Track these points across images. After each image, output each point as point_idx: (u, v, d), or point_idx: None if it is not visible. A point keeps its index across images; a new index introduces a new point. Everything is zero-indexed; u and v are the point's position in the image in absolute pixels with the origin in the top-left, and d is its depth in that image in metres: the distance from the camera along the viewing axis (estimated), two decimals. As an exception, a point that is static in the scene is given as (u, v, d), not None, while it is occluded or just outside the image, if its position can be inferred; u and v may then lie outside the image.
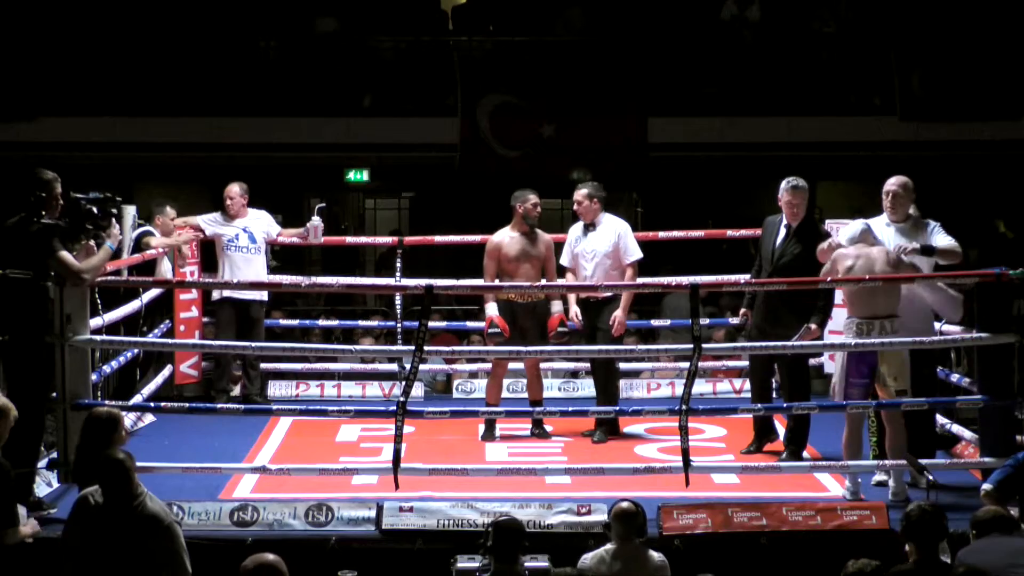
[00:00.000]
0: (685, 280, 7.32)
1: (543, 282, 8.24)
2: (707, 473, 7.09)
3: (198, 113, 13.51)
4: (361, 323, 11.16)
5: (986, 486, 6.00)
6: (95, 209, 6.77)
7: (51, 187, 6.70)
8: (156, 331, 9.05)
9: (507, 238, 8.27)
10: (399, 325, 9.62)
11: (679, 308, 10.57)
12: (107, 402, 7.09)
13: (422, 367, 8.64)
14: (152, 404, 8.43)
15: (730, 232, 9.89)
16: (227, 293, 9.28)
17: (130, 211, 8.86)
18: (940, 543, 5.38)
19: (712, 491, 6.95)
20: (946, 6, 13.72)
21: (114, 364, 8.10)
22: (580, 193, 8.32)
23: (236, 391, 9.52)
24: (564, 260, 8.45)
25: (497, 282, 8.14)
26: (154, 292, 8.75)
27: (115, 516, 5.25)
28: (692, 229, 10.05)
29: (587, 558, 5.71)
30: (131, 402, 8.13)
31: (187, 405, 8.39)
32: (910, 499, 6.43)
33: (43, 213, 6.64)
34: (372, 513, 6.44)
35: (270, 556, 4.87)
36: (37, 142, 12.97)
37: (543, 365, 9.29)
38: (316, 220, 9.48)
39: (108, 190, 6.94)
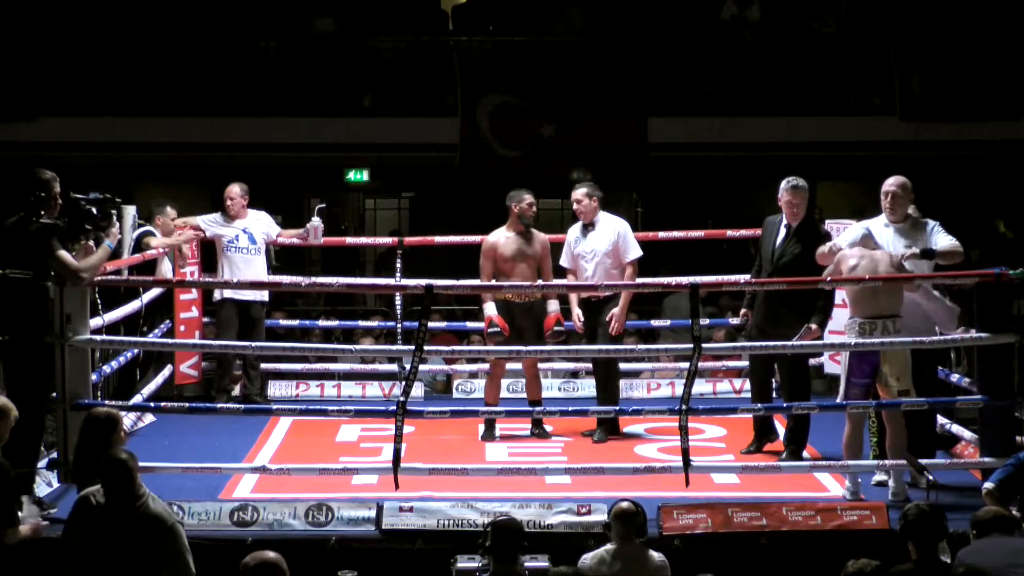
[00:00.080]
0: (685, 280, 7.32)
1: (541, 282, 8.24)
2: (707, 473, 7.09)
3: (198, 113, 13.51)
4: (361, 323, 11.16)
5: (988, 485, 6.00)
6: (95, 210, 6.77)
7: (50, 187, 6.70)
8: (156, 331, 9.05)
9: (503, 238, 8.27)
10: (399, 325, 9.62)
11: (679, 308, 10.58)
12: (107, 402, 7.10)
13: (422, 367, 8.65)
14: (152, 404, 8.43)
15: (730, 232, 9.89)
16: (227, 293, 9.28)
17: (130, 211, 8.86)
18: (940, 543, 5.38)
19: (712, 491, 6.95)
20: (946, 6, 13.72)
21: (114, 364, 8.10)
22: (579, 192, 8.32)
23: (236, 391, 9.52)
24: (564, 262, 8.45)
25: (495, 282, 8.14)
26: (154, 292, 8.75)
27: (117, 516, 5.24)
28: (692, 229, 10.05)
29: (587, 558, 5.71)
30: (131, 402, 8.13)
31: (187, 405, 8.39)
32: (910, 499, 6.43)
33: (42, 213, 6.64)
34: (372, 513, 6.44)
35: (271, 554, 4.88)
36: (37, 142, 12.97)
37: (543, 365, 9.30)
38: (316, 221, 9.48)
39: (108, 190, 6.93)
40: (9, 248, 6.59)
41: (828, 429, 7.60)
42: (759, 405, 7.75)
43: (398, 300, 9.70)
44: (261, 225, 9.46)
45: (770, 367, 7.90)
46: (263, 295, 9.45)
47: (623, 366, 9.19)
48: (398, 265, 9.78)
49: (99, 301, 7.46)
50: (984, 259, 10.90)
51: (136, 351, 8.46)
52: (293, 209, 13.80)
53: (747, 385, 9.13)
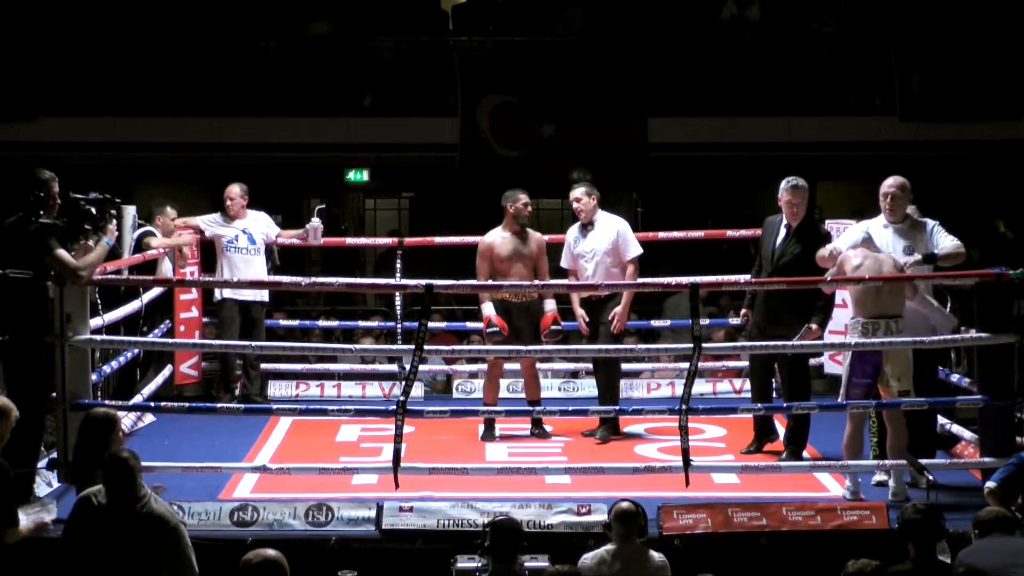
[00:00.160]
0: (685, 280, 7.32)
1: (542, 281, 8.24)
2: (707, 473, 7.09)
3: (198, 113, 13.50)
4: (361, 323, 11.16)
5: (990, 484, 6.01)
6: (94, 209, 6.77)
7: (49, 187, 6.71)
8: (156, 331, 9.05)
9: (499, 238, 8.27)
10: (399, 325, 9.62)
11: (680, 308, 10.58)
12: (107, 402, 7.11)
13: (422, 367, 8.65)
14: (152, 404, 8.43)
15: (730, 232, 9.89)
16: (227, 293, 9.29)
17: (130, 211, 8.87)
18: (938, 543, 5.38)
19: (712, 491, 6.95)
20: (946, 6, 13.72)
21: (114, 364, 8.10)
22: (577, 191, 8.33)
23: (236, 391, 9.52)
24: (564, 263, 8.46)
25: (492, 283, 8.14)
26: (154, 292, 8.75)
27: (119, 516, 5.23)
28: (692, 229, 10.05)
29: (587, 558, 5.71)
30: (131, 402, 8.13)
31: (187, 405, 8.39)
32: (910, 499, 6.43)
33: (41, 213, 6.65)
34: (372, 513, 6.44)
35: (271, 552, 4.88)
36: (37, 142, 12.96)
37: (543, 365, 9.31)
38: (316, 221, 9.48)
39: (108, 190, 6.94)
40: (8, 248, 6.60)
41: (828, 429, 7.60)
42: (759, 405, 7.75)
43: (398, 300, 9.70)
44: (260, 225, 9.47)
45: (770, 367, 7.90)
46: (263, 295, 9.45)
47: (623, 366, 9.19)
48: (398, 265, 9.78)
49: (99, 301, 7.46)
50: (984, 259, 10.89)
51: (136, 351, 8.46)
52: (293, 209, 13.80)
53: (747, 385, 9.13)
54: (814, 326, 7.47)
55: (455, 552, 5.96)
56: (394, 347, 9.45)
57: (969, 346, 7.50)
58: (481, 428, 8.39)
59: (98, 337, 7.24)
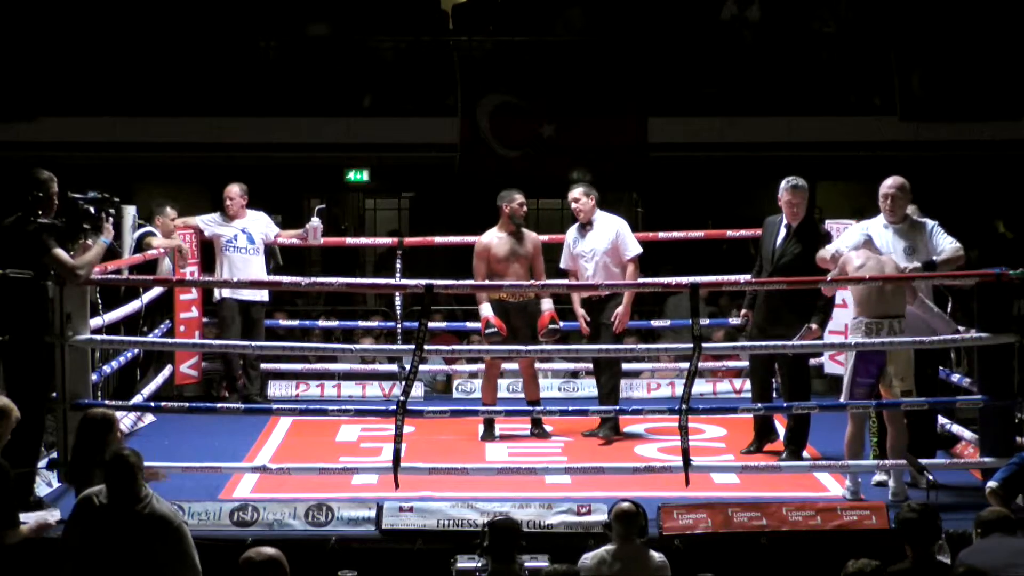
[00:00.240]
0: (685, 280, 7.32)
1: (542, 281, 8.24)
2: (707, 473, 7.09)
3: (198, 113, 13.51)
4: (361, 323, 11.16)
5: (991, 484, 6.01)
6: (92, 209, 6.77)
7: (47, 187, 6.71)
8: (156, 331, 9.05)
9: (495, 239, 8.27)
10: (399, 325, 9.62)
11: (681, 308, 10.58)
12: (107, 402, 7.11)
13: (422, 367, 8.65)
14: (152, 404, 8.43)
15: (730, 232, 9.89)
16: (226, 293, 9.29)
17: (130, 211, 8.87)
18: (936, 542, 5.38)
19: (712, 491, 6.95)
20: (946, 6, 13.72)
21: (114, 364, 8.10)
22: (576, 192, 8.33)
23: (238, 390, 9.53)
24: (563, 263, 8.46)
25: (492, 283, 8.14)
26: (154, 292, 8.75)
27: (120, 516, 5.22)
28: (692, 229, 10.05)
29: (587, 558, 5.70)
30: (131, 402, 8.13)
31: (187, 405, 8.39)
32: (910, 499, 6.42)
33: (39, 213, 6.65)
34: (372, 513, 6.44)
35: (271, 550, 4.87)
36: (37, 142, 12.96)
37: (543, 365, 9.31)
38: (315, 221, 9.48)
39: (108, 190, 6.94)
40: (7, 248, 6.59)
41: (828, 429, 7.60)
42: (759, 405, 7.75)
43: (398, 300, 9.70)
44: (260, 225, 9.47)
45: (770, 367, 7.90)
46: (263, 295, 9.45)
47: (623, 366, 9.19)
48: (398, 265, 9.78)
49: (99, 301, 7.46)
50: (984, 259, 10.90)
51: (136, 351, 8.46)
52: (293, 209, 13.80)
53: (747, 385, 9.13)
54: (814, 326, 7.47)
55: (455, 552, 5.96)
56: (394, 347, 9.45)
57: (969, 346, 7.50)
58: (481, 428, 8.39)
59: (98, 337, 7.24)
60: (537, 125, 13.61)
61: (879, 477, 7.13)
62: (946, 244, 7.22)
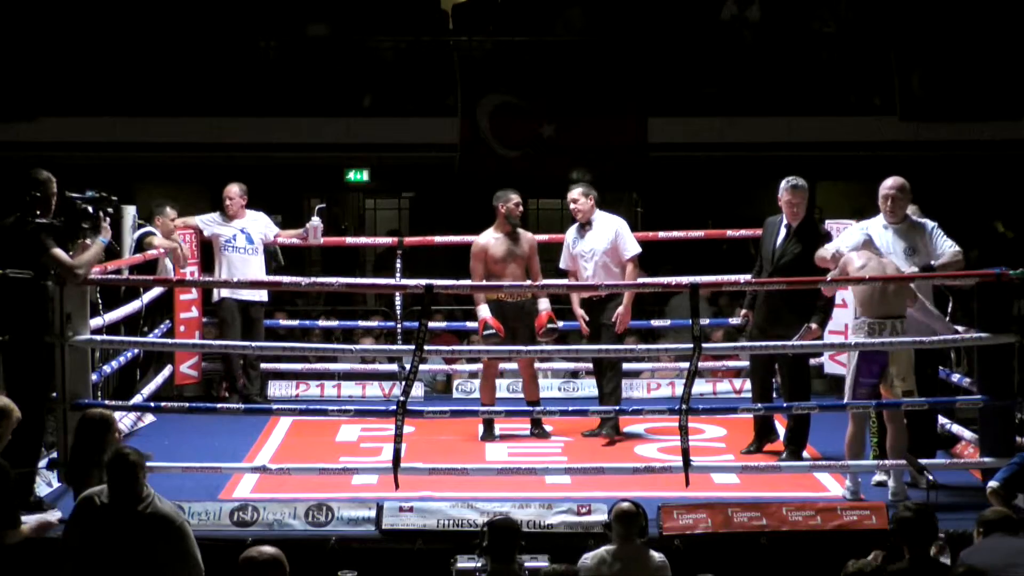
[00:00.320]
0: (685, 280, 7.32)
1: (541, 281, 8.24)
2: (707, 473, 7.09)
3: (198, 113, 13.51)
4: (361, 323, 11.16)
5: (992, 484, 6.01)
6: (90, 208, 6.77)
7: (46, 187, 6.71)
8: (156, 331, 9.05)
9: (492, 239, 8.27)
10: (399, 325, 9.62)
11: (681, 309, 10.58)
12: (107, 402, 7.11)
13: (422, 367, 8.64)
14: (152, 404, 8.43)
15: (730, 232, 9.89)
16: (226, 293, 9.29)
17: (130, 211, 8.87)
18: (933, 542, 5.38)
19: (712, 491, 6.95)
20: (946, 6, 13.72)
21: (114, 364, 8.10)
22: (575, 192, 8.34)
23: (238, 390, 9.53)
24: (563, 263, 8.46)
25: (492, 283, 8.14)
26: (154, 292, 8.75)
27: (122, 516, 5.21)
28: (692, 229, 10.05)
29: (587, 558, 5.70)
30: (131, 402, 8.13)
31: (187, 405, 8.39)
32: (910, 499, 6.42)
33: (38, 213, 6.65)
34: (372, 513, 6.44)
35: (271, 549, 4.87)
36: (37, 142, 12.96)
37: (543, 365, 9.30)
38: (315, 221, 9.48)
39: (108, 190, 6.94)
40: (7, 248, 6.59)
41: (828, 429, 7.60)
42: (759, 405, 7.75)
43: (398, 300, 9.70)
44: (259, 225, 9.47)
45: (770, 367, 7.90)
46: (262, 295, 9.46)
47: (623, 366, 9.19)
48: (398, 265, 9.78)
49: (99, 301, 7.46)
50: (984, 259, 10.90)
51: (136, 351, 8.46)
52: (293, 209, 13.80)
53: (747, 385, 9.13)
54: (814, 326, 7.47)
55: (455, 552, 5.96)
56: (394, 347, 9.45)
57: (969, 346, 7.50)
58: (481, 428, 8.39)
59: (98, 337, 7.24)
60: (537, 125, 13.61)
61: (879, 477, 7.14)
62: (945, 247, 7.22)
